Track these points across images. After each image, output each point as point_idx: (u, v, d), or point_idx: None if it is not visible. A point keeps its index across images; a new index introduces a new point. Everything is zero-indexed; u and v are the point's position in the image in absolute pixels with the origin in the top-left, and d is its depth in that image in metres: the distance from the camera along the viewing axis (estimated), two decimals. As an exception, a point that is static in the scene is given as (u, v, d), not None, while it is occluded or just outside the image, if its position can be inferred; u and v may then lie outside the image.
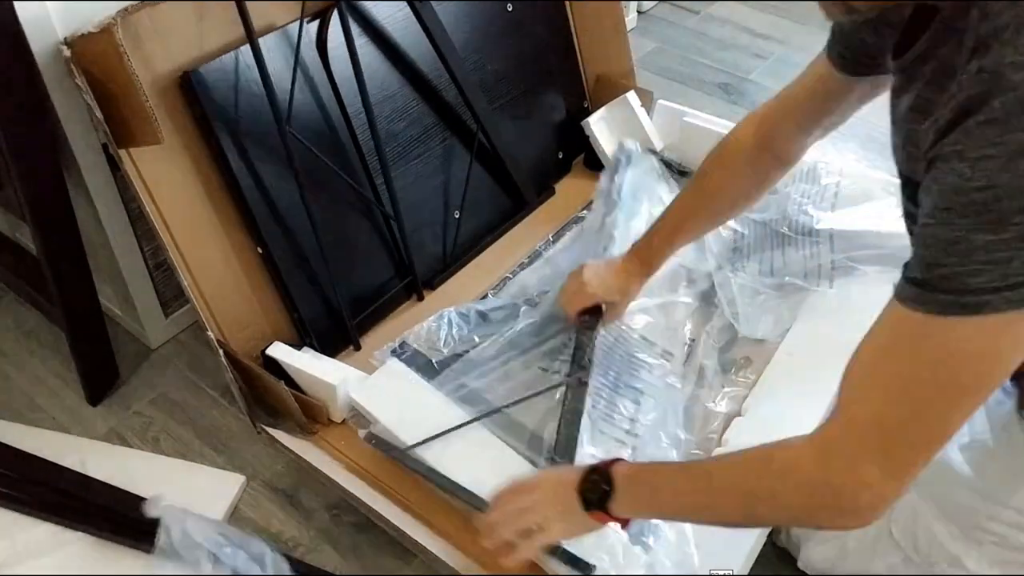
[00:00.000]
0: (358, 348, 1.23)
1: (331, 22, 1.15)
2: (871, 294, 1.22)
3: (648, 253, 1.07)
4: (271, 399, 1.15)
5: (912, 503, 0.85)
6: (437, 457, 1.03)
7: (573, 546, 0.88)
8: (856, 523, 0.60)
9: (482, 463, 1.04)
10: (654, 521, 0.99)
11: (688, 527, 0.97)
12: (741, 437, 1.06)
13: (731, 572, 0.92)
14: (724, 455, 0.71)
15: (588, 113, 1.53)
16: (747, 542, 0.94)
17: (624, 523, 0.79)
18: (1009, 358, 0.53)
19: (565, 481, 0.79)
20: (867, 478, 0.57)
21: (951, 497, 0.82)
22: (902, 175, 0.67)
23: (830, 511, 0.61)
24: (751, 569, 0.95)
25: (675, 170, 1.53)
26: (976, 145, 0.50)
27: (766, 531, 0.96)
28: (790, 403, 1.08)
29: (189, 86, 1.02)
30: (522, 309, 1.23)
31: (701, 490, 0.71)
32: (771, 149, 0.96)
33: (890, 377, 0.56)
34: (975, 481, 0.79)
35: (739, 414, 1.10)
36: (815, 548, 0.95)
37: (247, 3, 1.01)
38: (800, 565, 0.98)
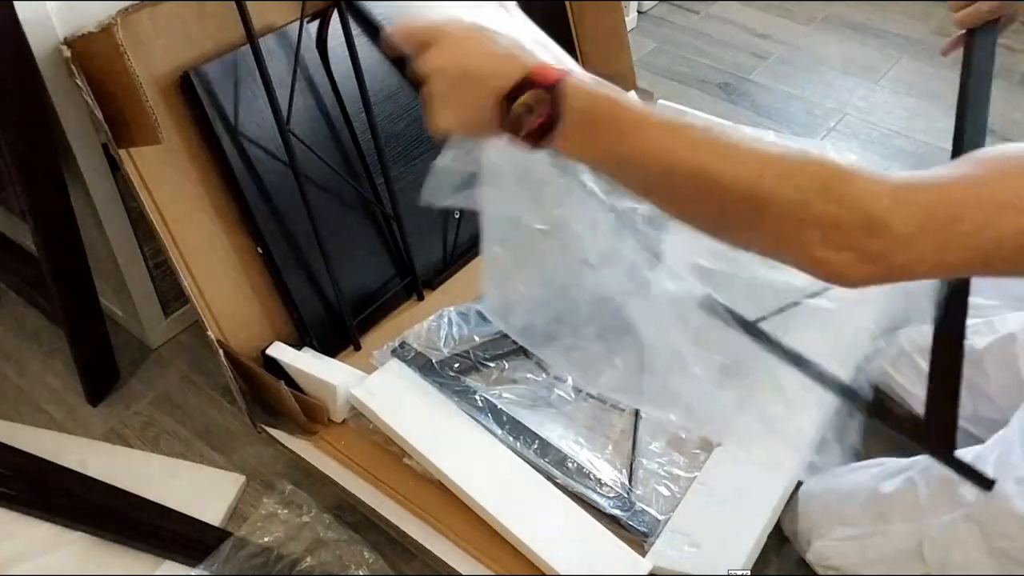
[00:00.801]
0: (358, 348, 1.22)
1: (331, 22, 1.15)
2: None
3: None
4: (271, 399, 1.15)
5: (955, 527, 0.83)
6: (432, 449, 1.04)
7: None
8: (851, 277, 0.54)
9: (479, 462, 1.04)
10: (654, 522, 0.99)
11: (690, 526, 0.97)
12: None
13: (747, 572, 0.93)
14: (755, 137, 0.54)
15: (588, 113, 1.52)
16: (749, 541, 0.94)
17: (536, 149, 0.57)
18: None
19: (487, 65, 0.57)
20: (898, 238, 0.52)
21: (999, 531, 0.80)
22: None
23: (837, 238, 0.52)
24: (751, 569, 0.95)
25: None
26: None
27: (768, 530, 0.96)
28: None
29: (189, 86, 1.02)
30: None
31: (697, 144, 0.55)
32: None
33: (983, 184, 0.53)
34: (1019, 502, 0.77)
35: None
36: (832, 544, 0.93)
37: (247, 3, 1.01)
38: (809, 558, 0.96)
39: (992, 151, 0.55)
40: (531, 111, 0.55)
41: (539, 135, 0.56)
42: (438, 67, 0.58)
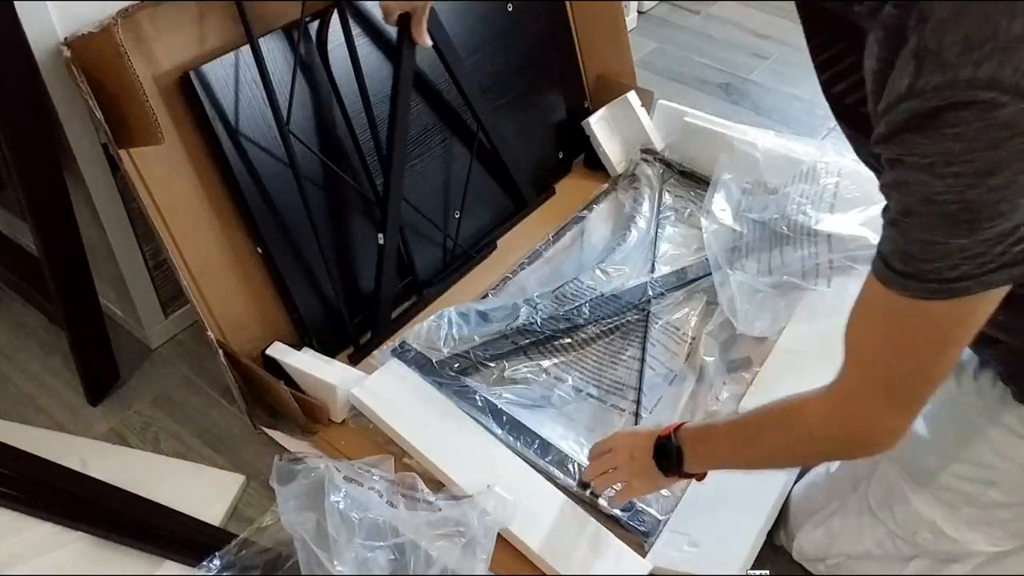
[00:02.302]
0: (358, 348, 1.22)
1: (331, 22, 1.15)
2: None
3: None
4: (271, 399, 1.15)
5: (884, 473, 0.87)
6: (432, 449, 1.03)
7: None
8: (878, 452, 0.70)
9: (479, 462, 1.04)
10: (654, 522, 1.00)
11: (689, 526, 0.97)
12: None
13: (766, 573, 0.94)
14: (759, 411, 0.77)
15: (588, 113, 1.53)
16: (747, 541, 0.94)
17: (700, 477, 0.89)
18: (986, 313, 0.59)
19: (640, 447, 0.89)
20: (881, 420, 0.66)
21: (916, 461, 0.83)
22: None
23: (853, 450, 0.72)
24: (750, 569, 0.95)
25: (675, 171, 1.53)
26: (944, 161, 0.50)
27: (766, 530, 0.96)
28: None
29: (189, 86, 1.02)
30: (522, 309, 1.23)
31: (748, 445, 0.80)
32: None
33: (886, 342, 0.63)
34: (933, 442, 0.81)
35: (737, 412, 1.10)
36: (805, 537, 0.95)
37: (247, 3, 1.01)
38: (795, 556, 0.98)
39: (850, 333, 0.67)
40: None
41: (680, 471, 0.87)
42: (622, 462, 0.92)
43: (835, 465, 0.97)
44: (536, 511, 0.99)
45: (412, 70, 1.18)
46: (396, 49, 1.15)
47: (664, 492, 1.04)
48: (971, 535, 0.81)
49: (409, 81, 1.17)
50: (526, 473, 1.04)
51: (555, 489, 1.02)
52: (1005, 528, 0.80)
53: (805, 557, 0.96)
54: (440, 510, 0.97)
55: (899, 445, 0.67)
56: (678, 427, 0.86)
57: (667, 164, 1.53)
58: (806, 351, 1.17)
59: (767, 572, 0.94)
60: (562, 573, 0.94)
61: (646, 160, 1.53)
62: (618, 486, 0.95)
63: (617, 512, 1.00)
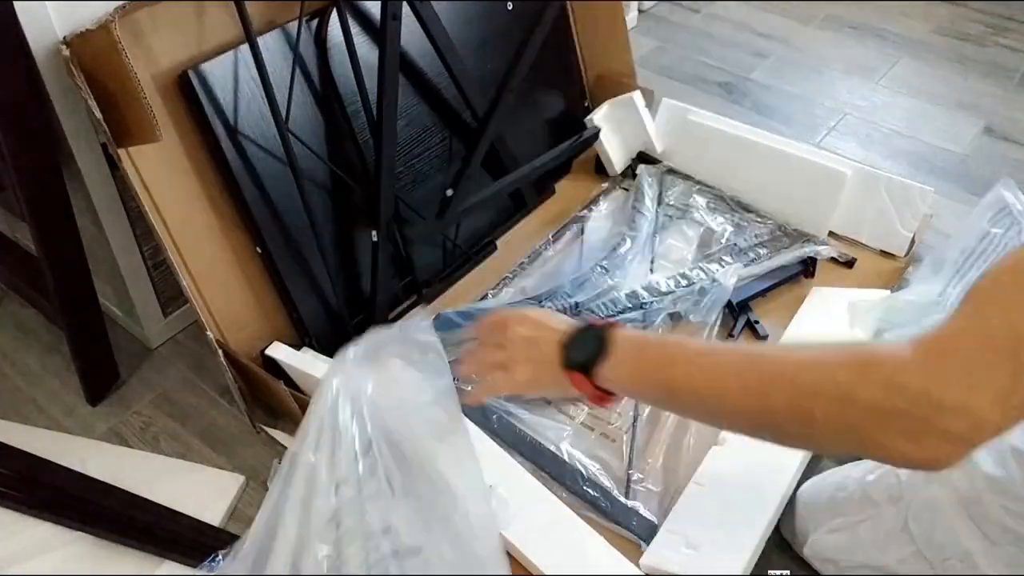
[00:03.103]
0: (358, 348, 1.22)
1: (330, 21, 1.14)
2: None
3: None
4: (271, 399, 1.15)
5: (934, 498, 0.85)
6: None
7: None
8: (936, 454, 0.53)
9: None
10: (651, 523, 0.99)
11: (686, 527, 0.96)
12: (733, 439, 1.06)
13: (786, 573, 0.93)
14: (784, 347, 0.62)
15: (588, 112, 1.53)
16: (750, 543, 0.94)
17: (600, 398, 0.68)
18: None
19: (550, 326, 0.70)
20: (975, 399, 0.51)
21: (976, 496, 0.82)
22: None
23: (915, 431, 0.53)
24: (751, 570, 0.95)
25: (680, 176, 1.52)
26: None
27: (768, 532, 0.96)
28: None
29: (188, 85, 1.02)
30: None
31: (739, 376, 0.59)
32: None
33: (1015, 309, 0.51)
34: (1001, 482, 0.79)
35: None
36: (824, 538, 0.94)
37: (246, 2, 1.01)
38: (805, 553, 0.97)
39: (984, 283, 0.55)
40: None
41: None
42: (513, 337, 0.71)
43: (873, 475, 0.92)
44: (530, 513, 0.99)
45: (398, 50, 1.16)
46: (380, 29, 1.14)
47: (654, 488, 1.03)
48: (999, 569, 0.80)
49: (395, 63, 1.16)
50: (521, 475, 1.03)
51: (548, 492, 1.01)
52: None
53: (818, 556, 0.95)
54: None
55: (965, 456, 0.54)
56: (613, 323, 0.69)
57: (671, 171, 1.53)
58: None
59: (787, 572, 0.94)
60: (551, 574, 0.93)
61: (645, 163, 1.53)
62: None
63: (614, 512, 1.00)
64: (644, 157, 1.56)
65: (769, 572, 0.93)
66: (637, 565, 0.94)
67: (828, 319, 1.22)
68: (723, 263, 1.31)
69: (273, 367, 1.15)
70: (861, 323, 1.18)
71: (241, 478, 1.10)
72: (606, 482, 1.04)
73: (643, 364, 0.64)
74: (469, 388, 0.81)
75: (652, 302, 1.26)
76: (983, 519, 0.81)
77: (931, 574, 0.84)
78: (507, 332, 0.72)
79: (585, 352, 0.66)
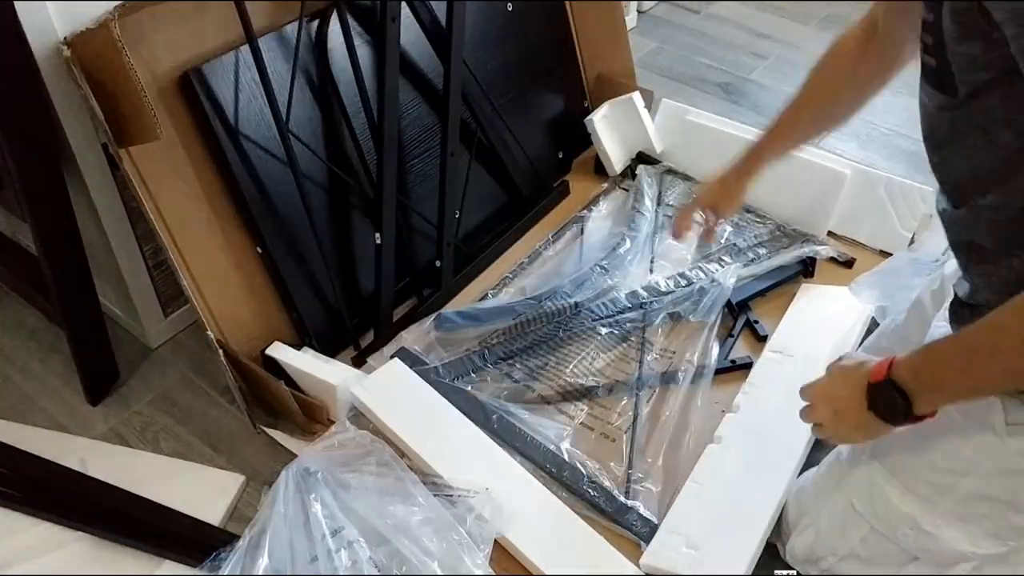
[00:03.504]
0: (357, 348, 1.22)
1: (331, 22, 1.14)
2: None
3: (750, 161, 1.09)
4: (271, 399, 1.15)
5: (865, 469, 0.86)
6: (429, 449, 1.04)
7: None
8: None
9: (475, 463, 1.04)
10: (651, 522, 1.00)
11: (686, 526, 0.97)
12: (732, 432, 1.06)
13: (793, 573, 0.93)
14: (993, 313, 0.66)
15: (588, 112, 1.53)
16: (750, 544, 0.94)
17: (931, 415, 0.76)
18: None
19: (846, 399, 0.77)
20: None
21: (893, 453, 0.83)
22: None
23: None
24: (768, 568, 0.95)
25: (680, 177, 1.52)
26: None
27: (768, 532, 0.96)
28: (779, 397, 1.10)
29: (189, 86, 1.02)
30: (520, 309, 1.23)
31: (991, 356, 0.68)
32: (878, 43, 0.99)
33: None
34: (910, 434, 0.78)
35: (731, 410, 1.11)
36: (796, 539, 0.94)
37: (247, 3, 1.01)
38: (787, 559, 0.97)
39: None
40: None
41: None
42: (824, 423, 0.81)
43: (824, 465, 0.96)
44: (530, 513, 0.99)
45: (397, 52, 1.16)
46: (379, 31, 1.14)
47: (654, 488, 1.04)
48: (949, 532, 0.80)
49: (396, 65, 1.16)
50: (522, 475, 1.03)
51: (548, 492, 1.02)
52: (982, 525, 0.79)
53: (796, 559, 0.95)
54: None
55: None
56: (890, 364, 0.74)
57: (671, 171, 1.53)
58: (796, 349, 1.17)
59: (793, 572, 0.93)
60: (551, 574, 0.93)
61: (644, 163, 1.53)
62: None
63: (614, 511, 1.00)
64: (643, 157, 1.56)
65: (776, 572, 0.93)
66: (638, 565, 0.94)
67: (821, 314, 1.22)
68: (722, 263, 1.32)
69: (273, 367, 1.15)
70: (864, 294, 1.19)
71: (241, 478, 1.10)
72: (606, 482, 1.04)
73: (937, 388, 0.72)
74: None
75: (652, 302, 1.26)
76: (909, 478, 0.81)
77: (891, 547, 0.85)
78: (816, 414, 0.81)
79: (893, 407, 0.73)
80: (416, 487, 0.99)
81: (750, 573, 0.93)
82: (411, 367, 1.15)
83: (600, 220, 1.46)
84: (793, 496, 0.99)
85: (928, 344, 0.74)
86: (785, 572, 0.93)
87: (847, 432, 0.80)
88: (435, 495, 0.99)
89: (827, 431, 0.81)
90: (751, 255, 1.34)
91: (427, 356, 1.18)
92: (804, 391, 0.83)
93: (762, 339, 1.22)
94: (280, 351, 1.14)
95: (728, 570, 0.92)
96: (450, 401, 1.11)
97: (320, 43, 1.15)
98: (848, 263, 1.34)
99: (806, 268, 1.32)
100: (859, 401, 0.76)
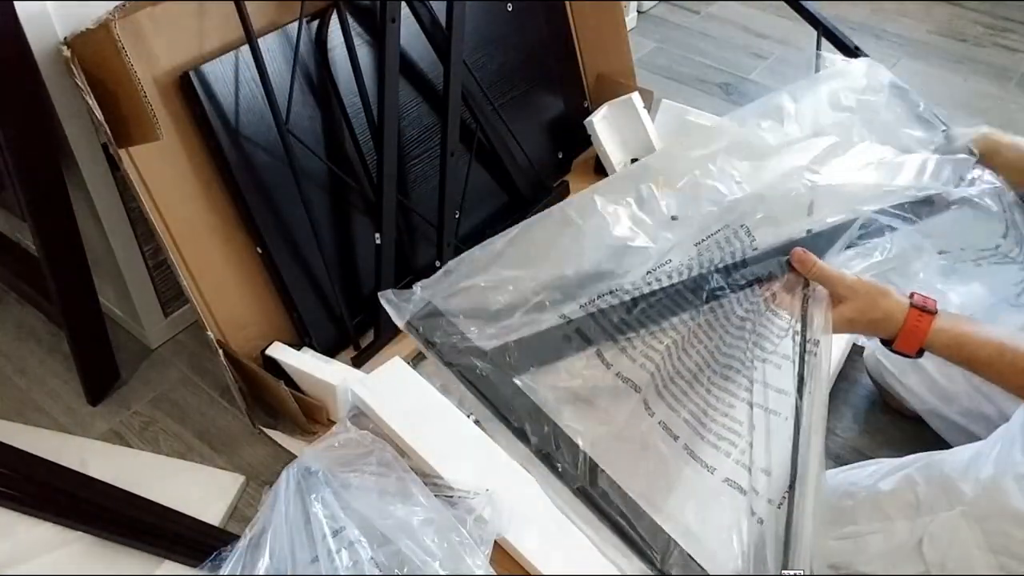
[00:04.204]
0: (358, 348, 1.23)
1: (331, 22, 1.15)
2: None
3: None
4: (271, 399, 1.15)
5: (955, 524, 0.84)
6: (430, 450, 1.03)
7: None
8: None
9: (476, 463, 1.04)
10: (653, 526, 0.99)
11: (681, 528, 0.96)
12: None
13: (803, 572, 0.92)
14: None
15: (588, 112, 1.53)
16: (740, 543, 0.94)
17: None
18: None
19: (865, 324, 0.80)
20: None
21: (999, 527, 0.81)
22: None
23: None
24: (752, 567, 0.95)
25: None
26: None
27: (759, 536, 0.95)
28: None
29: (189, 86, 1.02)
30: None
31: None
32: None
33: None
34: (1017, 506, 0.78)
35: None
36: (832, 542, 0.91)
37: (247, 3, 1.01)
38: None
39: None
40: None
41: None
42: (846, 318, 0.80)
43: (887, 482, 0.91)
44: (530, 514, 0.99)
45: (397, 52, 1.16)
46: (379, 31, 1.14)
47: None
48: None
49: (395, 65, 1.16)
50: (522, 476, 1.03)
51: (548, 493, 1.01)
52: None
53: (823, 558, 0.94)
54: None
55: None
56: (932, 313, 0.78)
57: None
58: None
59: (802, 571, 0.93)
60: (549, 574, 0.93)
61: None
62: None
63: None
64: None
65: (783, 572, 0.93)
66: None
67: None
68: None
69: (273, 367, 1.15)
70: None
71: (241, 478, 1.10)
72: None
73: (951, 360, 0.78)
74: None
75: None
76: (1005, 553, 0.80)
77: None
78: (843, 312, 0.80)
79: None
80: (417, 487, 0.99)
81: (782, 572, 0.93)
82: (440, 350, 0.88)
83: (600, 220, 1.46)
84: (833, 496, 0.94)
85: (969, 330, 0.78)
86: (792, 572, 0.93)
87: (849, 322, 0.80)
88: (435, 495, 0.99)
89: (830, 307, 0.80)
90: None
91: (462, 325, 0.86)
92: (830, 279, 0.80)
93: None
94: (280, 351, 1.14)
95: (719, 569, 0.92)
96: (453, 401, 1.09)
97: (320, 43, 1.15)
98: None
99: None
100: (869, 329, 0.80)
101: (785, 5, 1.49)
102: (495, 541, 0.96)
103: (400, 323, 0.78)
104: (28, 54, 0.96)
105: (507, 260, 0.82)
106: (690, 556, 0.77)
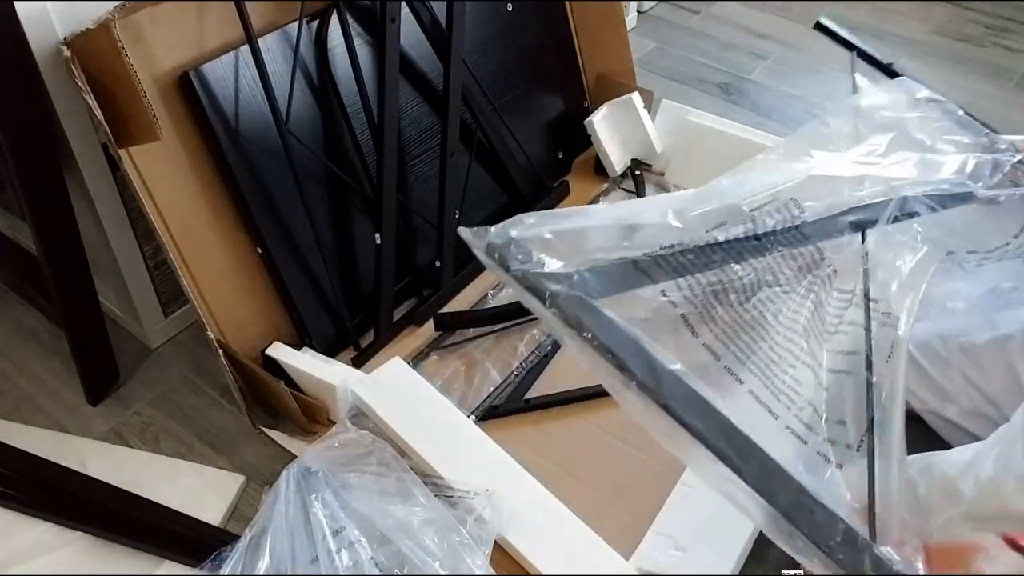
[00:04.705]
0: (358, 348, 1.23)
1: (331, 22, 1.15)
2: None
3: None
4: (271, 399, 1.15)
5: (955, 525, 0.82)
6: (431, 449, 1.03)
7: None
8: None
9: (476, 462, 1.04)
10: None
11: (674, 529, 0.96)
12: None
13: (800, 573, 0.92)
14: None
15: (588, 112, 1.53)
16: (736, 547, 0.94)
17: None
18: None
19: None
20: None
21: (999, 527, 0.77)
22: None
23: None
24: (755, 568, 0.95)
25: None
26: None
27: (755, 534, 0.96)
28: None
29: (189, 86, 1.02)
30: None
31: None
32: None
33: None
34: None
35: None
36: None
37: (247, 3, 1.01)
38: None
39: None
40: None
41: None
42: None
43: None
44: (530, 514, 0.99)
45: (397, 53, 1.16)
46: (379, 31, 1.14)
47: None
48: None
49: (395, 65, 1.16)
50: (522, 476, 1.03)
51: (545, 490, 1.01)
52: None
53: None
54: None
55: None
56: None
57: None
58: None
59: (801, 572, 0.93)
60: (545, 573, 0.93)
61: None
62: None
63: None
64: (639, 164, 1.56)
65: (783, 572, 0.93)
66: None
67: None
68: None
69: (273, 367, 1.15)
70: None
71: (241, 478, 1.10)
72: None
73: None
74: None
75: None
76: None
77: None
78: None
79: None
80: (417, 487, 0.99)
81: (736, 574, 0.93)
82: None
83: (600, 220, 1.46)
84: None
85: None
86: (792, 572, 0.93)
87: None
88: (435, 495, 0.99)
89: None
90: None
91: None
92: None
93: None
94: (280, 351, 1.14)
95: (714, 570, 0.92)
96: (457, 402, 1.09)
97: (320, 43, 1.15)
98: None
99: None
100: None
101: (785, 5, 1.49)
102: (495, 541, 0.96)
103: (479, 252, 0.79)
104: (28, 54, 0.96)
105: (578, 216, 0.84)
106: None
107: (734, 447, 0.71)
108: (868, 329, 0.80)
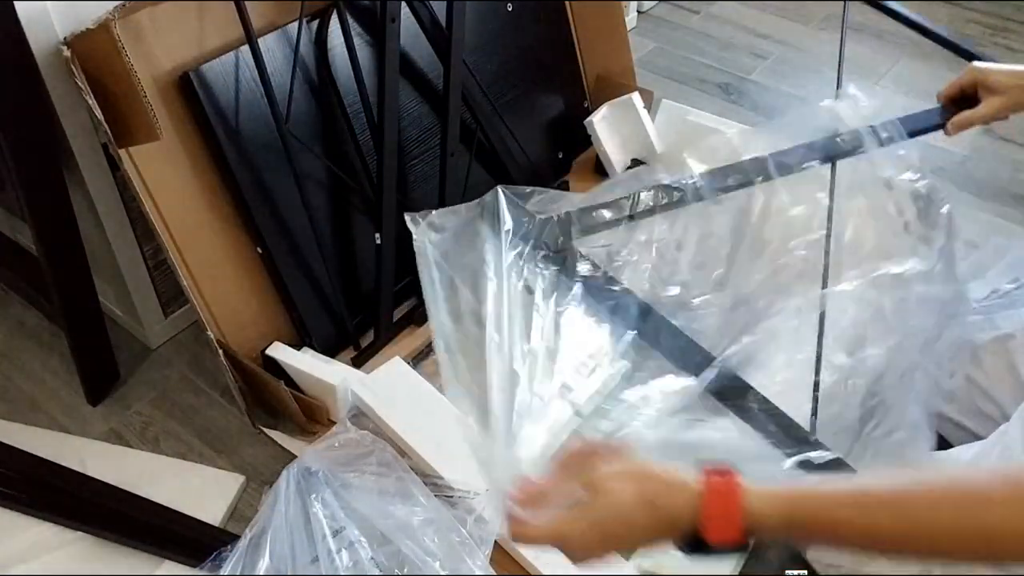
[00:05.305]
0: (358, 348, 1.23)
1: (331, 22, 1.15)
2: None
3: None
4: (271, 399, 1.15)
5: None
6: (430, 449, 1.03)
7: None
8: None
9: (473, 462, 1.04)
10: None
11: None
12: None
13: (803, 573, 0.92)
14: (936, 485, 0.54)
15: (588, 112, 1.53)
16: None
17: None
18: None
19: (660, 520, 0.61)
20: None
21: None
22: None
23: None
24: (754, 567, 0.95)
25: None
26: None
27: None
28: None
29: (189, 86, 1.02)
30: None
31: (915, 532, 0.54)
32: None
33: None
34: None
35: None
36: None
37: (247, 3, 1.01)
38: (810, 556, 0.96)
39: None
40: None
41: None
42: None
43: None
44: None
45: (397, 53, 1.16)
46: (379, 31, 1.14)
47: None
48: None
49: (395, 65, 1.16)
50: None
51: None
52: None
53: (821, 560, 0.94)
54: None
55: None
56: (734, 502, 0.56)
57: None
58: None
59: (804, 573, 0.93)
60: (544, 573, 0.93)
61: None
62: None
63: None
64: (639, 164, 1.55)
65: (788, 572, 0.93)
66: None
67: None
68: None
69: (273, 367, 1.15)
70: None
71: (241, 478, 1.10)
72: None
73: (801, 534, 0.59)
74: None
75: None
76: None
77: None
78: (598, 519, 0.62)
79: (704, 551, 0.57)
80: (417, 487, 0.99)
81: (736, 574, 0.93)
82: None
83: (600, 220, 1.46)
84: None
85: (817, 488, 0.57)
86: (797, 572, 0.93)
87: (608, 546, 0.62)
88: (435, 495, 0.99)
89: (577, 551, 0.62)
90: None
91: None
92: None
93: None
94: (280, 351, 1.14)
95: (714, 570, 0.92)
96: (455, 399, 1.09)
97: (320, 43, 1.15)
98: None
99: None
100: (650, 535, 0.59)
101: (785, 5, 1.49)
102: (495, 541, 0.96)
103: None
104: (28, 54, 0.96)
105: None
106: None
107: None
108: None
